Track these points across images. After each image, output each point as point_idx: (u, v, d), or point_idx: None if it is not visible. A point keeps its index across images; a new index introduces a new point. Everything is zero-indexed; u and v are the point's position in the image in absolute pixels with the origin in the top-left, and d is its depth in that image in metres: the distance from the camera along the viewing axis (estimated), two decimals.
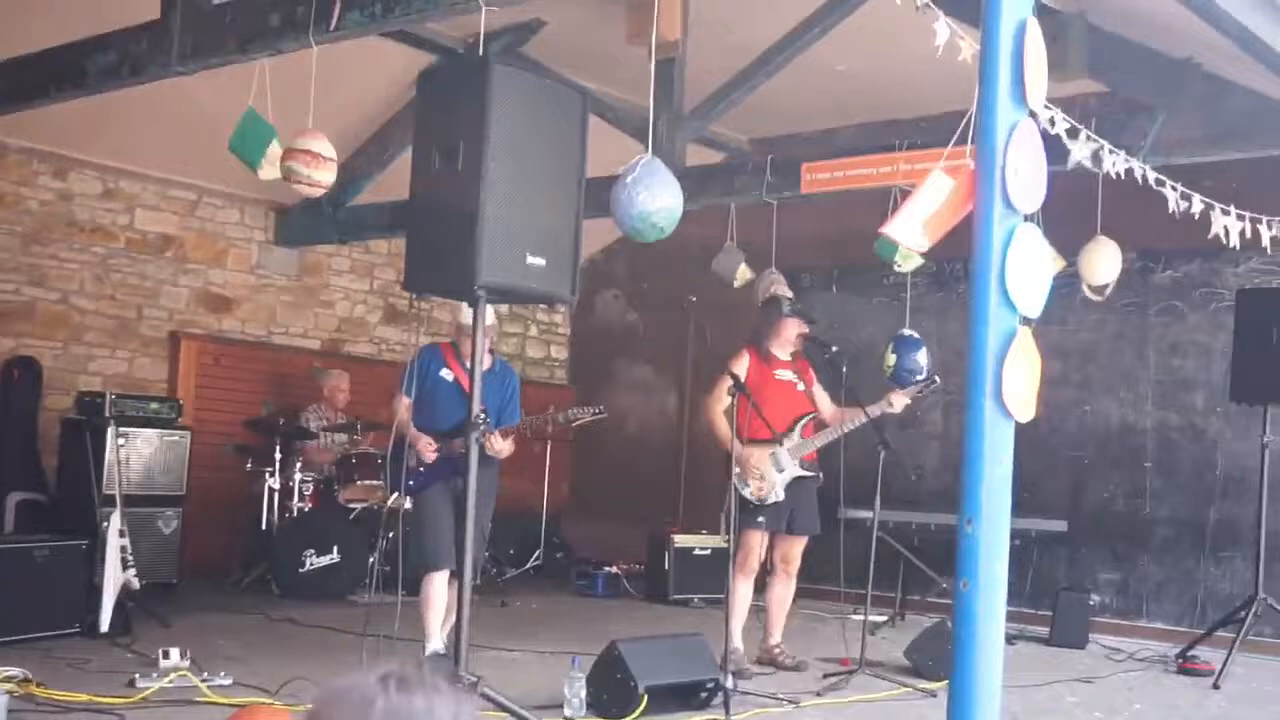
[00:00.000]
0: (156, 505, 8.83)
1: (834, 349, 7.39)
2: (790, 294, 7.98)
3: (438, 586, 6.65)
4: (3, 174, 9.36)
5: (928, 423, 10.45)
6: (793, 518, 7.45)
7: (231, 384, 10.47)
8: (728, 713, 5.96)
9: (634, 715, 5.76)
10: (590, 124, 5.47)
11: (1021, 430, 3.63)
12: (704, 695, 6.14)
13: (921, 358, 8.07)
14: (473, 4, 5.30)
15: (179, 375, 10.27)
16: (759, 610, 7.72)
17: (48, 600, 7.14)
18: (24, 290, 9.44)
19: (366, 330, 11.76)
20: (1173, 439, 9.66)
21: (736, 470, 7.00)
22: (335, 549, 9.33)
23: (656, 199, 5.46)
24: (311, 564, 9.31)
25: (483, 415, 5.40)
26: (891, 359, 8.15)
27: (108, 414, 8.43)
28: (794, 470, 7.39)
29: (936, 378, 7.52)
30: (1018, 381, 3.56)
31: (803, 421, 7.49)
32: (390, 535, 8.66)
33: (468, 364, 6.48)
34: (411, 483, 6.69)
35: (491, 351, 6.84)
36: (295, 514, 9.62)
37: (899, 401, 7.30)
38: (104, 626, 7.13)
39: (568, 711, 5.82)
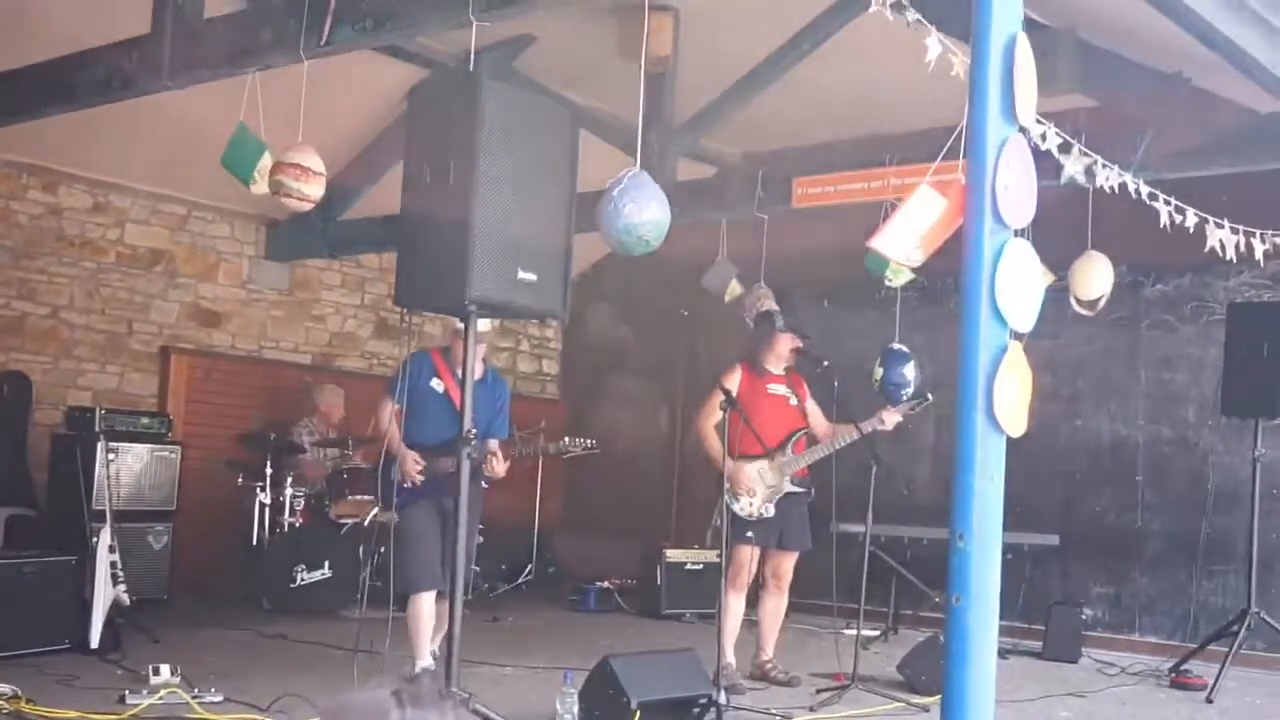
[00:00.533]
0: (147, 520, 8.81)
1: (825, 364, 7.40)
2: (778, 308, 7.99)
3: (425, 607, 6.61)
4: None
5: (919, 437, 10.44)
6: (783, 534, 7.45)
7: (222, 399, 10.44)
8: None
9: None
10: (581, 139, 5.48)
11: (1013, 445, 3.63)
12: (697, 711, 6.13)
13: (908, 371, 8.08)
14: (463, 19, 5.30)
15: (169, 390, 10.24)
16: (751, 625, 7.71)
17: (37, 616, 7.11)
18: (14, 305, 9.42)
19: (358, 345, 11.75)
20: (1164, 453, 9.67)
21: (727, 486, 7.00)
22: (326, 564, 9.31)
23: (643, 211, 5.46)
24: (302, 579, 9.28)
25: (473, 433, 5.37)
26: (879, 373, 8.16)
27: (98, 429, 8.40)
28: (785, 486, 7.38)
29: (929, 395, 7.52)
30: (1009, 396, 3.56)
31: (795, 437, 7.49)
32: (381, 550, 8.64)
33: (459, 372, 6.46)
34: (397, 499, 6.58)
35: (484, 360, 6.78)
36: (286, 529, 9.59)
37: (891, 419, 7.30)
38: (94, 642, 7.11)
39: None
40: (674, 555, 10.24)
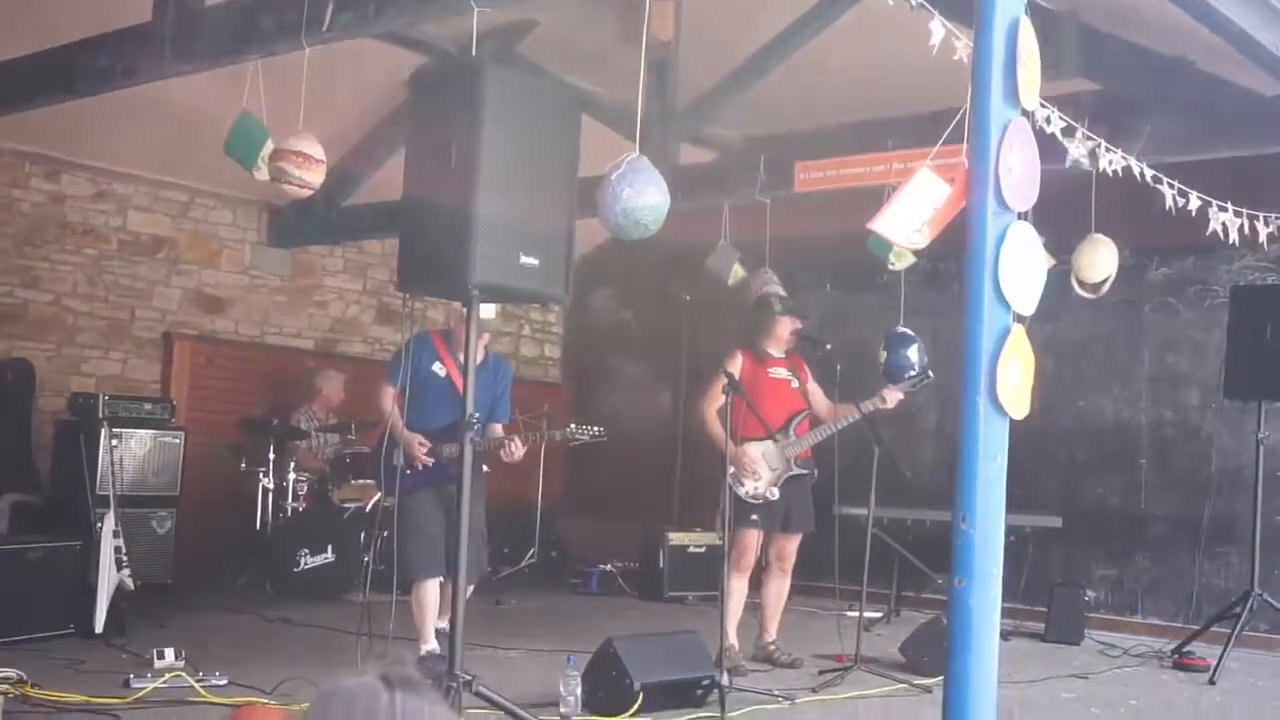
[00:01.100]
0: (150, 506, 8.82)
1: (827, 346, 7.41)
2: (783, 292, 7.99)
3: (429, 593, 6.63)
4: None
5: (922, 420, 10.45)
6: (787, 516, 7.47)
7: (225, 385, 10.45)
8: (723, 710, 5.97)
9: (630, 713, 5.77)
10: (583, 124, 5.47)
11: (1016, 427, 3.63)
12: (700, 693, 6.15)
13: (913, 354, 8.07)
14: (464, 5, 5.29)
15: (172, 376, 10.26)
16: (754, 607, 7.72)
17: (42, 601, 7.14)
18: (17, 293, 9.43)
19: (360, 330, 11.75)
20: (1167, 435, 9.68)
21: (731, 470, 7.01)
22: (330, 549, 9.32)
23: (641, 196, 5.45)
24: (306, 564, 9.30)
25: (476, 417, 5.37)
26: (884, 355, 8.16)
27: (101, 415, 8.42)
28: (789, 469, 7.40)
29: (930, 373, 7.53)
30: (1012, 379, 3.57)
31: (797, 419, 7.51)
32: (384, 535, 8.66)
33: (460, 357, 6.42)
34: (398, 485, 6.46)
35: (485, 346, 6.76)
36: (289, 514, 9.62)
37: (892, 397, 7.32)
38: (99, 627, 7.13)
39: (563, 710, 5.82)
40: (676, 538, 10.27)
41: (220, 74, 6.52)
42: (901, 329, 8.33)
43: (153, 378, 10.21)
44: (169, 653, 6.33)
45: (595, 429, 6.66)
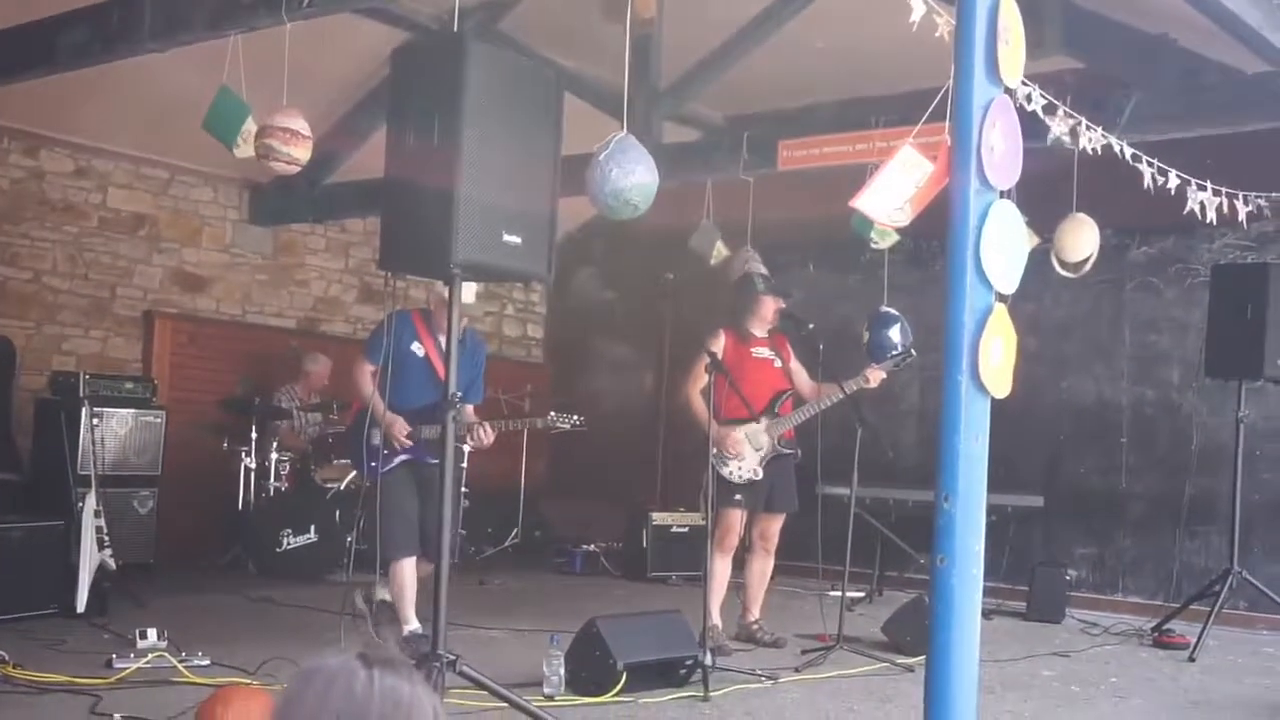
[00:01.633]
0: (132, 485, 8.79)
1: (810, 326, 7.41)
2: (764, 271, 7.99)
3: (407, 572, 6.62)
4: None
5: (904, 399, 10.47)
6: (771, 496, 7.47)
7: (206, 363, 10.42)
8: (707, 689, 5.98)
9: (613, 693, 5.78)
10: (566, 101, 5.45)
11: (998, 406, 3.63)
12: (683, 672, 6.16)
13: (895, 333, 8.08)
14: None
15: (153, 355, 10.22)
16: (738, 587, 7.74)
17: (23, 581, 7.10)
18: None
19: (342, 309, 11.71)
20: (1148, 414, 9.71)
21: (714, 450, 7.01)
22: (312, 528, 9.31)
23: (630, 175, 5.44)
24: (288, 544, 9.29)
25: (458, 396, 5.35)
26: (866, 334, 8.18)
27: (82, 394, 8.37)
28: (772, 449, 7.40)
29: (912, 351, 7.54)
30: (994, 358, 3.57)
31: (781, 399, 7.51)
32: (365, 514, 8.66)
33: (440, 337, 6.51)
34: (374, 463, 6.50)
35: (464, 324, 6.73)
36: (272, 494, 9.60)
37: (875, 377, 7.32)
38: (80, 607, 7.11)
39: (547, 689, 5.83)
40: (660, 518, 10.27)
41: (201, 50, 6.47)
42: (885, 308, 8.34)
43: (134, 356, 10.17)
44: (151, 633, 6.30)
45: (576, 418, 6.70)
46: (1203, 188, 6.53)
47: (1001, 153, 3.62)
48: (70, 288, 9.80)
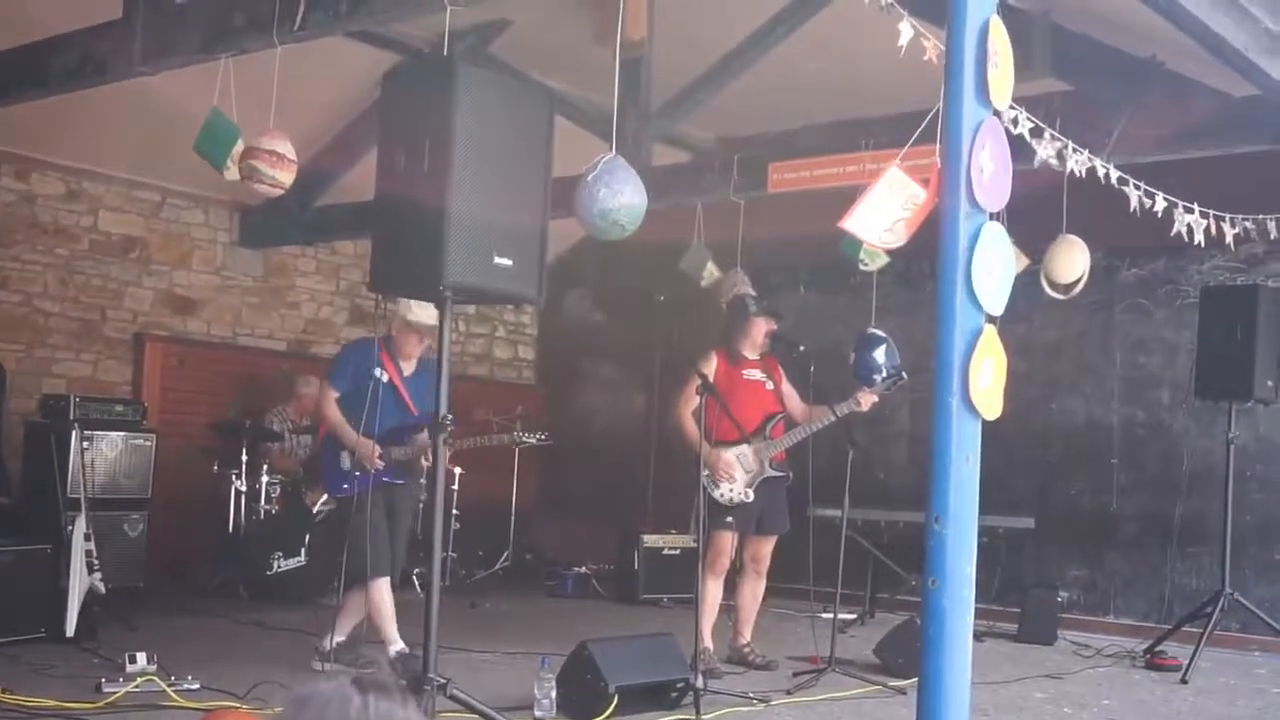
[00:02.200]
0: (122, 508, 8.74)
1: (801, 348, 7.42)
2: (754, 292, 8.00)
3: (385, 592, 6.73)
4: None
5: (895, 421, 10.48)
6: (762, 518, 7.47)
7: (197, 386, 10.40)
8: (698, 712, 5.97)
9: (604, 716, 5.75)
10: (557, 124, 5.46)
11: (989, 428, 3.64)
12: (674, 695, 6.14)
13: (880, 355, 8.10)
14: (437, 3, 5.28)
15: (144, 377, 10.20)
16: (729, 609, 7.72)
17: (12, 605, 7.07)
18: None
19: (333, 331, 11.70)
20: (1139, 436, 9.73)
21: (705, 472, 7.01)
22: (303, 552, 9.28)
23: (618, 196, 5.45)
24: (279, 567, 9.26)
25: (449, 419, 5.36)
26: (853, 357, 8.20)
27: (72, 417, 8.35)
28: (764, 471, 7.40)
29: (904, 374, 7.54)
30: (984, 379, 3.57)
31: (772, 421, 7.51)
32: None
33: (401, 364, 6.81)
34: (346, 486, 6.71)
35: (420, 357, 6.93)
36: (262, 516, 9.56)
37: (866, 400, 7.32)
38: (70, 631, 7.08)
39: (538, 712, 5.81)
40: (651, 540, 10.26)
41: (192, 72, 6.48)
42: (872, 330, 8.36)
43: (124, 379, 10.15)
44: (141, 657, 6.28)
45: (541, 434, 6.94)
46: (1190, 210, 6.54)
47: (991, 174, 3.63)
48: (61, 310, 9.79)
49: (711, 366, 7.31)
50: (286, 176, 6.35)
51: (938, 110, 3.72)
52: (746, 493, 7.36)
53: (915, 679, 3.93)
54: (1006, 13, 3.78)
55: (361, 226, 9.24)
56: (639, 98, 8.10)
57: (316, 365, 10.89)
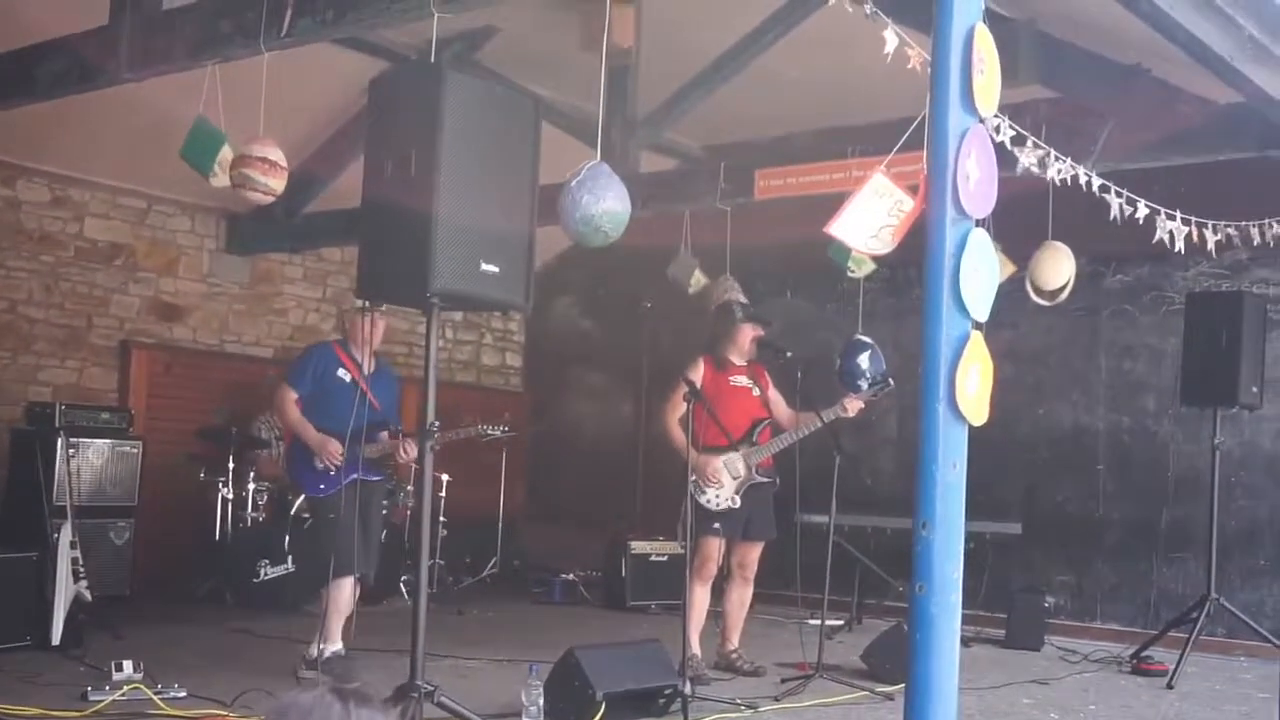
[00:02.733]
0: (108, 516, 8.73)
1: (788, 354, 7.43)
2: (744, 299, 8.00)
3: (346, 591, 6.82)
4: None
5: (882, 427, 10.49)
6: (749, 524, 7.47)
7: (183, 393, 10.37)
8: (686, 719, 5.96)
9: None
10: (544, 131, 5.47)
11: (975, 434, 3.65)
12: (662, 701, 6.14)
13: (864, 360, 8.12)
14: (425, 10, 5.28)
15: (130, 385, 10.16)
16: (717, 616, 7.73)
17: None
18: None
19: (319, 338, 11.64)
20: (1125, 442, 9.75)
21: (693, 478, 7.01)
22: (289, 559, 9.26)
23: (600, 203, 5.45)
24: (266, 574, 9.24)
25: (436, 425, 5.36)
26: (838, 362, 8.21)
27: (58, 425, 8.34)
28: (751, 477, 7.40)
29: (890, 380, 7.55)
30: (971, 385, 3.58)
31: (759, 427, 7.51)
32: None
33: (359, 359, 7.04)
34: (323, 486, 6.85)
35: (374, 354, 7.13)
36: (249, 524, 9.54)
37: (853, 406, 7.32)
38: (55, 639, 7.07)
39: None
40: (638, 547, 10.25)
41: (179, 79, 6.47)
42: (859, 336, 8.37)
43: (110, 386, 10.11)
44: (127, 665, 6.26)
45: (503, 426, 7.10)
46: (1171, 217, 6.57)
47: (977, 181, 3.64)
48: (46, 317, 9.75)
49: (699, 373, 7.31)
50: (278, 183, 6.35)
51: (924, 117, 3.73)
52: (734, 499, 7.36)
53: (903, 685, 3.93)
54: (992, 20, 3.80)
55: (348, 233, 9.20)
56: (626, 105, 8.10)
57: None
